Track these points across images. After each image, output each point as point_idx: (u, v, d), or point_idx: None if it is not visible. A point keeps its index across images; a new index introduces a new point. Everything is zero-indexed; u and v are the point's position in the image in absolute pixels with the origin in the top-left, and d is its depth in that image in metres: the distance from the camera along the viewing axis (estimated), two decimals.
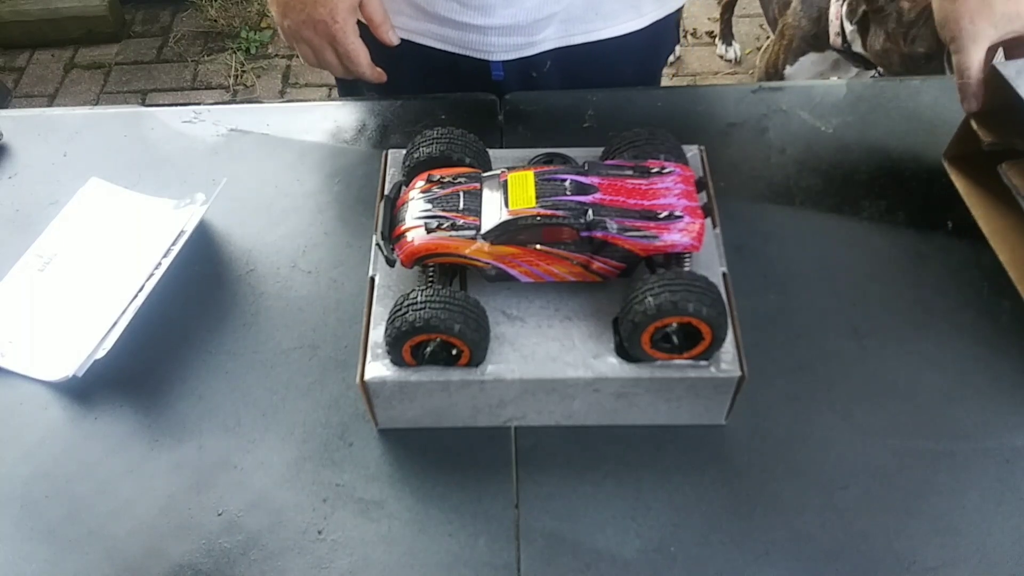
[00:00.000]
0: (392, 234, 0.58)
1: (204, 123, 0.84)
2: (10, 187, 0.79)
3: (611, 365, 0.55)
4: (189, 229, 0.71)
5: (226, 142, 0.82)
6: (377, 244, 0.58)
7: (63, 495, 0.58)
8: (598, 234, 0.55)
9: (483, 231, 0.55)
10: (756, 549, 0.54)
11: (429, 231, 0.56)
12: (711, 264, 0.60)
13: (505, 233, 0.55)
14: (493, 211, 0.56)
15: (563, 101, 0.82)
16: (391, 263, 0.58)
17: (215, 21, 2.54)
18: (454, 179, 0.59)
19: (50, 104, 2.34)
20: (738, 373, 0.55)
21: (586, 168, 0.58)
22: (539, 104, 0.82)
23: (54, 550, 0.56)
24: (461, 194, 0.58)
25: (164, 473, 0.59)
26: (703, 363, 0.55)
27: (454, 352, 0.55)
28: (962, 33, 0.63)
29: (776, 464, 0.58)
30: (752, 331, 0.60)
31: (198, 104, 0.85)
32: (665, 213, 0.55)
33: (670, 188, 0.57)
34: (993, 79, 0.67)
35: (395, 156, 0.67)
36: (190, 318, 0.68)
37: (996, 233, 0.69)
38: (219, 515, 0.57)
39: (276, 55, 2.48)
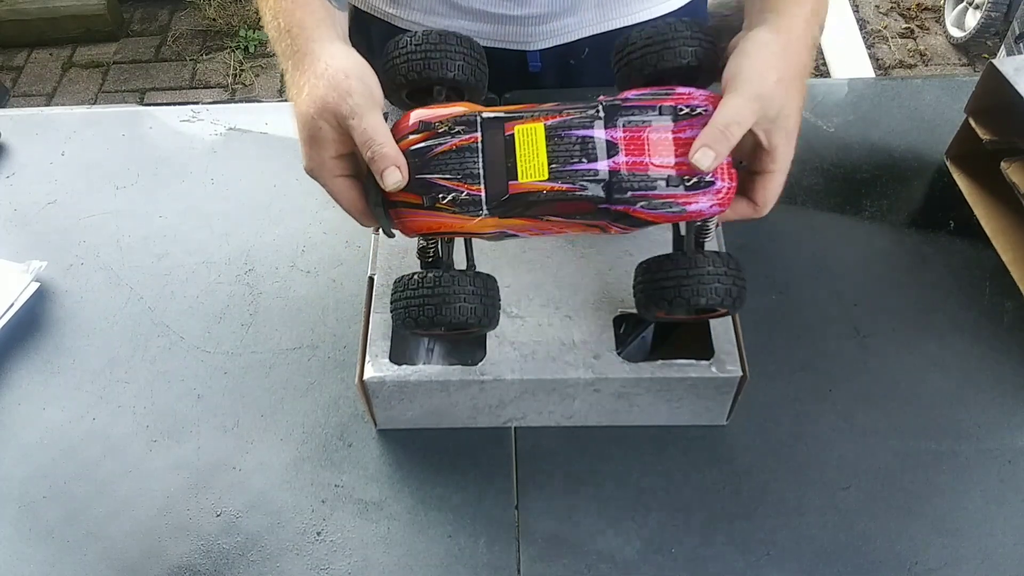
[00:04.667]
0: (386, 195, 0.51)
1: (202, 122, 0.83)
2: (8, 186, 0.78)
3: (612, 365, 0.55)
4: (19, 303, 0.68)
5: (225, 141, 0.81)
6: (375, 211, 0.52)
7: (61, 496, 0.58)
8: (617, 207, 0.49)
9: (489, 207, 0.50)
10: (757, 550, 0.54)
11: (428, 206, 0.50)
12: None
13: (514, 208, 0.50)
14: (499, 180, 0.50)
15: (570, 98, 0.82)
16: (390, 234, 0.53)
17: (214, 20, 2.54)
18: (450, 128, 0.50)
19: (48, 103, 2.33)
20: (739, 373, 0.55)
21: (605, 115, 0.50)
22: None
23: (52, 551, 0.56)
24: (461, 150, 0.50)
25: (163, 474, 0.59)
26: (704, 363, 0.55)
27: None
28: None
29: (777, 465, 0.58)
30: (753, 331, 0.59)
31: (196, 103, 0.85)
32: (694, 180, 0.49)
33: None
34: (992, 77, 0.67)
35: None
36: (189, 318, 0.67)
37: (999, 233, 0.69)
38: (218, 516, 0.57)
39: (275, 54, 2.47)
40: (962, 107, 0.71)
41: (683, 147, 0.49)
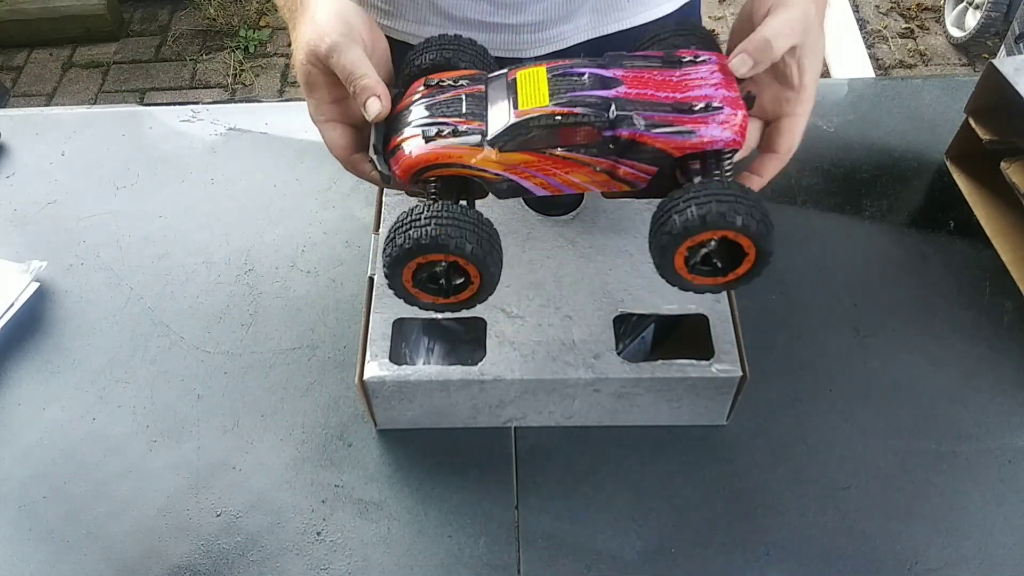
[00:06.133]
0: (387, 147, 0.50)
1: (202, 122, 0.83)
2: (8, 187, 0.78)
3: (612, 365, 0.55)
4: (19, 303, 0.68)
5: (224, 141, 0.81)
6: (371, 159, 0.51)
7: (61, 496, 0.58)
8: (624, 132, 0.47)
9: (490, 137, 0.48)
10: (757, 550, 0.54)
11: (428, 139, 0.49)
12: None
13: (515, 138, 0.48)
14: (501, 114, 0.48)
15: None
16: (387, 180, 0.51)
17: (214, 20, 2.54)
18: (455, 82, 0.52)
19: (48, 103, 2.33)
20: (739, 373, 0.55)
21: (606, 61, 0.50)
22: None
23: (52, 551, 0.56)
24: (464, 97, 0.50)
25: (162, 474, 0.59)
26: (704, 363, 0.55)
27: (460, 281, 0.49)
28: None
29: (777, 465, 0.58)
30: (753, 331, 0.59)
31: (196, 103, 0.85)
32: (701, 105, 0.47)
33: (705, 78, 0.48)
34: (992, 77, 0.67)
35: None
36: (189, 318, 0.67)
37: (999, 233, 0.69)
38: (217, 516, 0.57)
39: (275, 54, 2.47)
40: (962, 107, 0.71)
41: (687, 87, 0.48)
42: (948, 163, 0.75)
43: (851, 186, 0.75)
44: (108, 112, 0.86)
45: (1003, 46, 2.13)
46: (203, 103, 0.85)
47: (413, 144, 0.49)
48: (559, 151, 0.48)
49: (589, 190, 0.50)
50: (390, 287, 0.49)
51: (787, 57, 0.49)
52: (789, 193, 0.74)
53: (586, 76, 0.49)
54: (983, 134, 0.69)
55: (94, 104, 2.31)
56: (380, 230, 0.62)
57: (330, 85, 0.52)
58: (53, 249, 0.73)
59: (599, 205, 0.63)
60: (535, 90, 0.49)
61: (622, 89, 0.48)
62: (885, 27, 2.48)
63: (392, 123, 0.51)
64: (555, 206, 0.63)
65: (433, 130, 0.49)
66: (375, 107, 0.50)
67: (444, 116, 0.49)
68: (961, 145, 0.74)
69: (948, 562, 0.53)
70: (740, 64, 0.48)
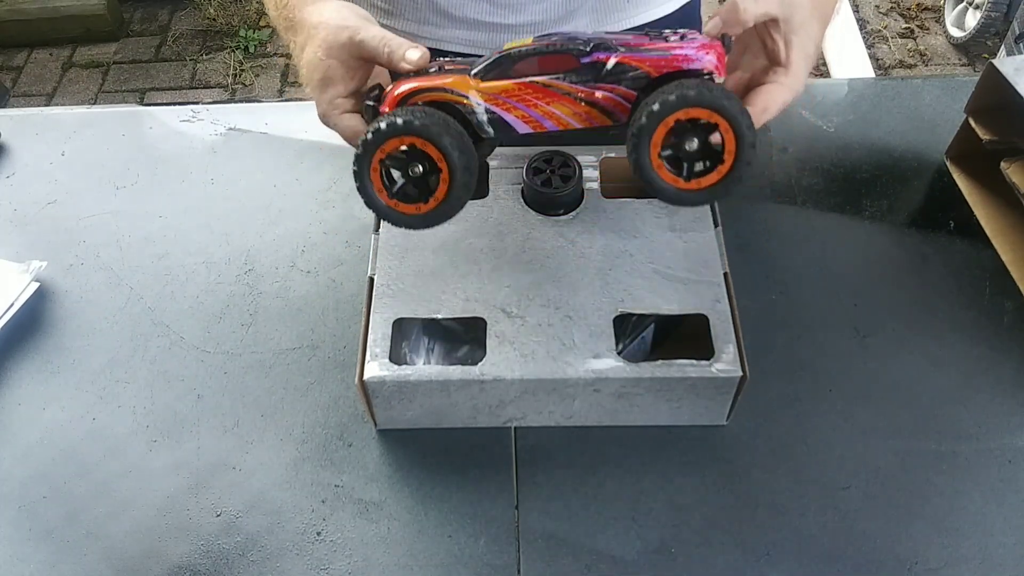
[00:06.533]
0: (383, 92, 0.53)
1: (202, 122, 0.83)
2: (8, 186, 0.78)
3: (611, 365, 0.55)
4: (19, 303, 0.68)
5: (224, 141, 0.81)
6: (362, 110, 0.53)
7: (61, 496, 0.58)
8: (601, 56, 0.48)
9: (474, 70, 0.50)
10: (757, 550, 0.54)
11: (417, 74, 0.51)
12: (712, 263, 0.59)
13: (497, 67, 0.50)
14: (486, 61, 0.51)
15: None
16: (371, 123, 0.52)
17: (214, 20, 2.54)
18: (442, 67, 0.54)
19: (48, 103, 2.34)
20: (739, 373, 0.55)
21: (592, 38, 0.51)
22: None
23: (52, 551, 0.56)
24: (455, 63, 0.54)
25: (162, 474, 0.59)
26: (704, 363, 0.55)
27: (431, 181, 0.50)
28: None
29: (777, 465, 0.58)
30: (753, 331, 0.59)
31: (196, 103, 0.85)
32: (676, 36, 0.49)
33: (685, 44, 0.49)
34: (992, 77, 0.67)
35: None
36: (189, 318, 0.67)
37: (999, 233, 0.69)
38: (217, 516, 0.57)
39: (275, 54, 2.47)
40: (962, 107, 0.71)
41: (668, 47, 0.49)
42: (948, 163, 0.75)
43: (851, 186, 0.75)
44: (108, 112, 0.86)
45: (1003, 46, 2.13)
46: (203, 103, 0.85)
47: (401, 80, 0.51)
48: (539, 79, 0.49)
49: (571, 126, 0.50)
50: (356, 173, 0.50)
51: (773, 32, 0.51)
52: (789, 193, 0.74)
53: (570, 34, 0.51)
54: (983, 134, 0.69)
55: (94, 104, 2.30)
56: (380, 230, 0.63)
57: (347, 78, 0.54)
58: (53, 249, 0.73)
59: (599, 205, 0.63)
60: (520, 44, 0.51)
61: (602, 35, 0.50)
62: (885, 27, 2.48)
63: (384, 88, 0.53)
64: (555, 206, 0.63)
65: (423, 73, 0.52)
66: (416, 53, 0.52)
67: (433, 70, 0.52)
68: (961, 145, 0.74)
69: (948, 562, 0.53)
70: (712, 27, 0.50)
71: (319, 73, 0.54)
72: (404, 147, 0.48)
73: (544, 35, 0.51)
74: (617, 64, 0.48)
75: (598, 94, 0.49)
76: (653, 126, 0.46)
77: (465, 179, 0.49)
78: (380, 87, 0.54)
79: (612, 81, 0.49)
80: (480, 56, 0.53)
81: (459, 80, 0.50)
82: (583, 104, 0.50)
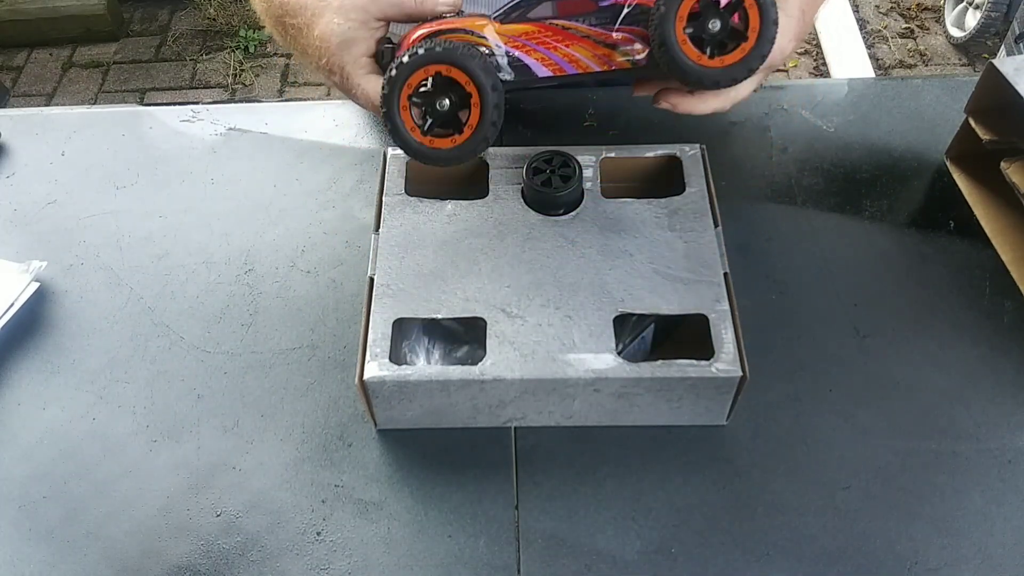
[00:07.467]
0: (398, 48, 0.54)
1: (202, 122, 0.83)
2: (8, 186, 0.78)
3: (611, 365, 0.55)
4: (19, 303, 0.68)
5: (224, 141, 0.81)
6: (375, 58, 0.54)
7: (61, 496, 0.58)
8: None
9: (493, 14, 0.51)
10: (757, 550, 0.54)
11: (435, 18, 0.52)
12: (712, 264, 0.59)
13: (516, 9, 0.51)
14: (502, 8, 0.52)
15: (563, 100, 0.82)
16: (385, 70, 0.53)
17: (214, 20, 2.54)
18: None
19: (48, 103, 2.34)
20: (739, 373, 0.55)
21: None
22: (539, 103, 0.82)
23: (52, 551, 0.56)
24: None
25: (162, 474, 0.59)
26: (704, 363, 0.55)
27: (461, 113, 0.50)
28: None
29: (777, 464, 0.58)
30: (753, 331, 0.59)
31: (196, 103, 0.85)
32: None
33: None
34: (992, 77, 0.67)
35: (395, 155, 0.67)
36: (189, 318, 0.67)
37: (999, 233, 0.69)
38: (217, 516, 0.57)
39: (275, 54, 2.47)
40: (962, 107, 0.71)
41: None
42: (948, 163, 0.75)
43: (851, 186, 0.75)
44: (108, 112, 0.86)
45: (1003, 46, 2.13)
46: (203, 103, 0.85)
47: (420, 26, 0.52)
48: (558, 21, 0.50)
49: (590, 69, 0.51)
50: (385, 115, 0.50)
51: None
52: (789, 193, 0.74)
53: None
54: (983, 134, 0.69)
55: (94, 104, 2.31)
56: (380, 230, 0.63)
57: (368, 37, 0.54)
58: (53, 249, 0.73)
59: (599, 205, 0.63)
60: None
61: None
62: (885, 27, 2.48)
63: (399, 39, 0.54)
64: (555, 206, 0.63)
65: (440, 18, 0.52)
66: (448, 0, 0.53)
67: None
68: (961, 145, 0.74)
69: (948, 562, 0.53)
70: None
71: (337, 37, 0.54)
72: (430, 78, 0.49)
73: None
74: (635, 6, 0.49)
75: (616, 35, 0.50)
76: (679, 2, 0.47)
77: (496, 101, 0.50)
78: (390, 39, 0.55)
79: (630, 22, 0.50)
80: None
81: (478, 21, 0.51)
82: (602, 46, 0.50)
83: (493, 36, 0.51)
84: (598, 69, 0.51)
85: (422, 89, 0.50)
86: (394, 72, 0.49)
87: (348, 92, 0.56)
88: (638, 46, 0.50)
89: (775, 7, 0.48)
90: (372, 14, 0.53)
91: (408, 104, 0.50)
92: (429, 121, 0.51)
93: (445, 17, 0.52)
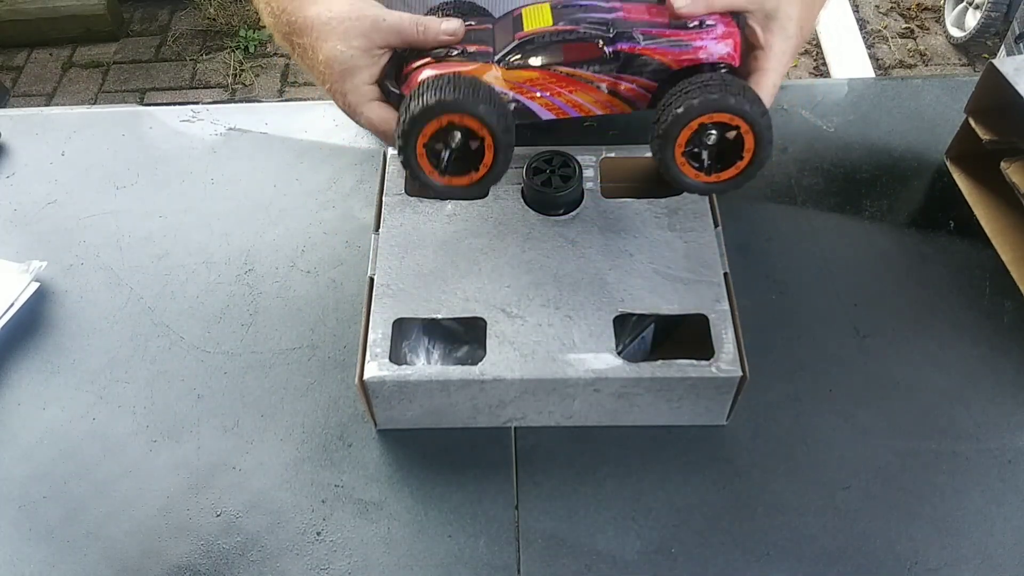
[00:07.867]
0: (400, 73, 0.54)
1: (202, 122, 0.83)
2: (8, 186, 0.78)
3: (611, 365, 0.55)
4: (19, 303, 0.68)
5: (224, 141, 0.81)
6: (381, 83, 0.54)
7: (61, 496, 0.58)
8: (624, 46, 0.50)
9: (497, 56, 0.52)
10: (757, 550, 0.54)
11: (439, 60, 0.52)
12: (712, 264, 0.59)
13: (521, 54, 0.51)
14: (506, 36, 0.52)
15: None
16: (398, 100, 0.53)
17: (214, 20, 2.54)
18: (464, 19, 0.55)
19: (48, 103, 2.34)
20: (739, 373, 0.55)
21: (613, 26, 0.53)
22: None
23: (52, 551, 0.56)
24: (473, 31, 0.55)
25: (162, 474, 0.59)
26: (704, 363, 0.55)
27: (475, 148, 0.51)
28: None
29: (777, 464, 0.58)
30: (753, 331, 0.59)
31: (196, 103, 0.85)
32: (696, 23, 0.51)
33: (707, 32, 0.52)
34: (992, 77, 0.67)
35: (395, 155, 0.67)
36: (189, 318, 0.67)
37: (999, 232, 0.69)
38: (217, 516, 0.57)
39: (275, 54, 2.47)
40: (962, 107, 0.71)
41: (688, 38, 0.51)
42: (948, 163, 0.75)
43: (851, 186, 0.75)
44: (108, 112, 0.86)
45: (1003, 46, 2.13)
46: (203, 103, 0.85)
47: (425, 65, 0.52)
48: (563, 68, 0.51)
49: (592, 112, 0.53)
50: (404, 163, 0.51)
51: (751, 22, 0.53)
52: (789, 193, 0.74)
53: (587, 4, 0.53)
54: (983, 134, 0.69)
55: (94, 104, 2.31)
56: (380, 230, 0.63)
57: (371, 64, 0.54)
58: (53, 249, 0.73)
59: (599, 205, 0.63)
60: (539, 18, 0.52)
61: (620, 14, 0.52)
62: (885, 27, 2.48)
63: (406, 56, 0.54)
64: (555, 206, 0.63)
65: (443, 52, 0.53)
66: (453, 23, 0.53)
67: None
68: (961, 145, 0.74)
69: (948, 561, 0.53)
70: (681, 3, 0.51)
71: (340, 64, 0.53)
72: (456, 127, 0.49)
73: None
74: (639, 56, 0.50)
75: (621, 85, 0.52)
76: (677, 131, 0.49)
77: (507, 139, 0.50)
78: (394, 64, 0.55)
79: (634, 72, 0.51)
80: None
81: (482, 68, 0.51)
82: (605, 93, 0.52)
83: (497, 84, 0.51)
84: (599, 113, 0.53)
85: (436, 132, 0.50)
86: (407, 126, 0.49)
87: (353, 118, 0.56)
88: (641, 92, 0.52)
89: (770, 130, 0.49)
90: (375, 42, 0.53)
91: (424, 151, 0.51)
92: (445, 160, 0.51)
93: (451, 55, 0.53)
